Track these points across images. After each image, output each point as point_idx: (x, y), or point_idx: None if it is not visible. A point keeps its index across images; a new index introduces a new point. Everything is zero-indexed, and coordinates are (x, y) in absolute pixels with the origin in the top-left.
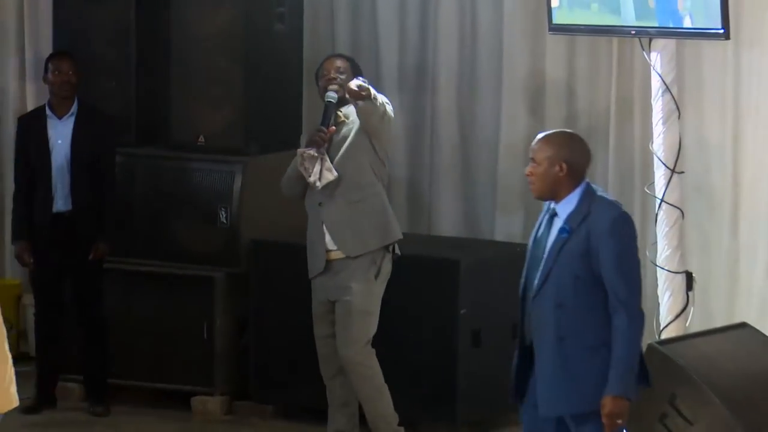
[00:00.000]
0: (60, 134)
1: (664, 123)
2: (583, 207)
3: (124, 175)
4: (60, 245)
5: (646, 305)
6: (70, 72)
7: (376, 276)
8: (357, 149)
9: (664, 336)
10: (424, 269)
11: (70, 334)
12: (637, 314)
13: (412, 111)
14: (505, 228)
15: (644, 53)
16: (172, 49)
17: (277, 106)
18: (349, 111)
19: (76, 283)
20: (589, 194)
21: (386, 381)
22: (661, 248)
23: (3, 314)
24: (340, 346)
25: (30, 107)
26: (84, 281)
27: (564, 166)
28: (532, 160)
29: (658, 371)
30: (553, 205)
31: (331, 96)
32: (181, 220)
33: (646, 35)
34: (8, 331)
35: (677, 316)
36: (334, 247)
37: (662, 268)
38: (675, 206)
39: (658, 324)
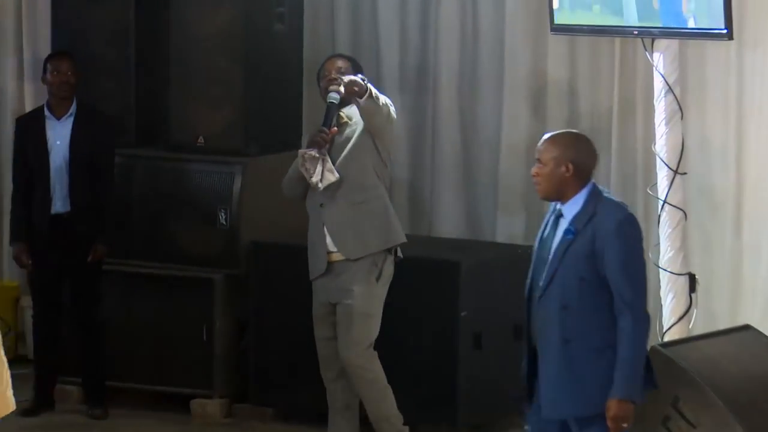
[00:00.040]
0: (58, 135)
1: (666, 124)
2: (588, 208)
3: (123, 176)
4: (58, 246)
5: (648, 307)
6: (69, 72)
7: (378, 278)
8: (360, 150)
9: (666, 338)
10: (425, 271)
11: (68, 336)
12: (642, 316)
13: (413, 111)
14: (507, 229)
15: (647, 54)
16: (171, 49)
17: (277, 107)
18: (352, 112)
19: (75, 285)
20: (595, 195)
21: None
22: (664, 250)
23: (0, 317)
24: (342, 349)
25: (28, 108)
26: (82, 283)
27: (570, 166)
28: (538, 160)
29: (660, 374)
30: (559, 205)
31: (333, 97)
32: (180, 221)
33: (648, 35)
34: (6, 333)
35: (680, 318)
36: (335, 249)
37: (665, 270)
38: (678, 207)
39: (661, 326)
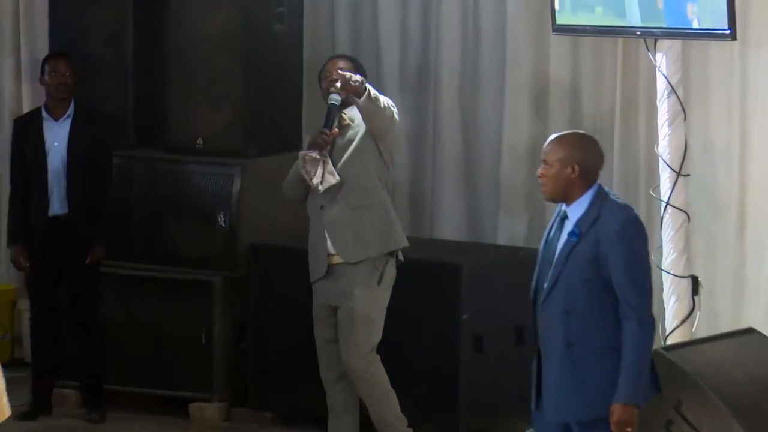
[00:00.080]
0: (56, 136)
1: (669, 125)
2: (593, 211)
3: (122, 178)
4: (56, 249)
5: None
6: (67, 73)
7: (379, 282)
8: (362, 153)
9: (669, 341)
10: (426, 273)
11: (67, 339)
12: (648, 320)
13: (413, 112)
14: (509, 230)
15: (649, 54)
16: (170, 49)
17: (276, 108)
18: (354, 114)
19: (73, 287)
20: (600, 197)
21: None
22: (667, 252)
23: None
24: (344, 353)
25: (26, 109)
26: (81, 285)
27: (576, 168)
28: (544, 161)
29: (663, 377)
30: (564, 207)
31: (334, 98)
32: (179, 223)
33: (651, 36)
34: (2, 337)
35: (683, 321)
36: (335, 252)
37: (668, 273)
38: (681, 209)
39: (664, 329)
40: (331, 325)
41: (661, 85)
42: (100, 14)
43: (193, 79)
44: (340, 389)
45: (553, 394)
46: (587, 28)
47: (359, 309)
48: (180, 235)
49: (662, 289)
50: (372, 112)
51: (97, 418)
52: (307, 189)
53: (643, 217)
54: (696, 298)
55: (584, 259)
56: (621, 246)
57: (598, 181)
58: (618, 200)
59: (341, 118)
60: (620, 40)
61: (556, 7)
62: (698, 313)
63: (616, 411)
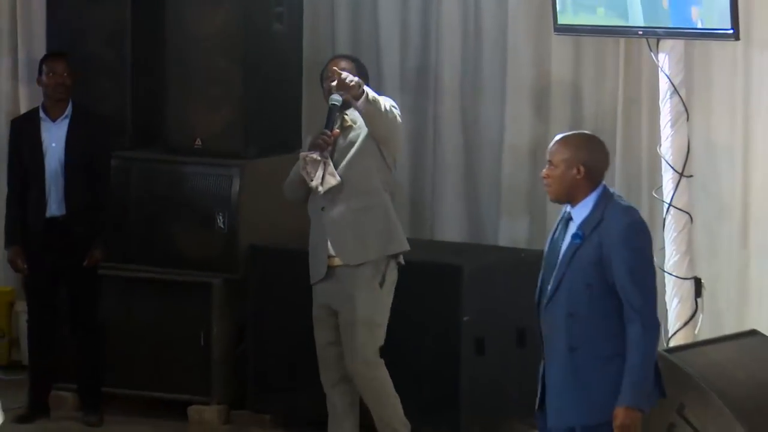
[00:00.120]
0: (54, 137)
1: (672, 125)
2: (596, 213)
3: (120, 179)
4: (54, 250)
5: None
6: (65, 74)
7: (381, 284)
8: (364, 155)
9: (672, 343)
10: (427, 275)
11: (64, 341)
12: (652, 324)
13: (414, 113)
14: (510, 232)
15: (652, 54)
16: (169, 49)
17: (276, 108)
18: (357, 116)
19: (71, 289)
20: (604, 199)
21: None
22: (669, 254)
23: None
24: (347, 357)
25: (23, 109)
26: (79, 287)
27: (582, 169)
28: (549, 162)
29: (666, 380)
30: (568, 208)
31: (335, 99)
32: (177, 224)
33: (653, 36)
34: (0, 338)
35: (686, 323)
36: (335, 254)
37: (670, 274)
38: (683, 210)
39: (667, 331)
40: (331, 327)
41: (664, 85)
42: (98, 14)
43: (193, 79)
44: (339, 392)
45: (556, 399)
46: (589, 28)
47: (361, 312)
48: (179, 237)
49: (665, 291)
50: (372, 115)
51: (94, 420)
52: (308, 190)
53: (645, 218)
54: (699, 299)
55: (587, 262)
56: (625, 249)
57: (603, 182)
58: (622, 202)
59: (343, 120)
60: (622, 41)
61: (558, 8)
62: (701, 315)
63: (620, 415)
